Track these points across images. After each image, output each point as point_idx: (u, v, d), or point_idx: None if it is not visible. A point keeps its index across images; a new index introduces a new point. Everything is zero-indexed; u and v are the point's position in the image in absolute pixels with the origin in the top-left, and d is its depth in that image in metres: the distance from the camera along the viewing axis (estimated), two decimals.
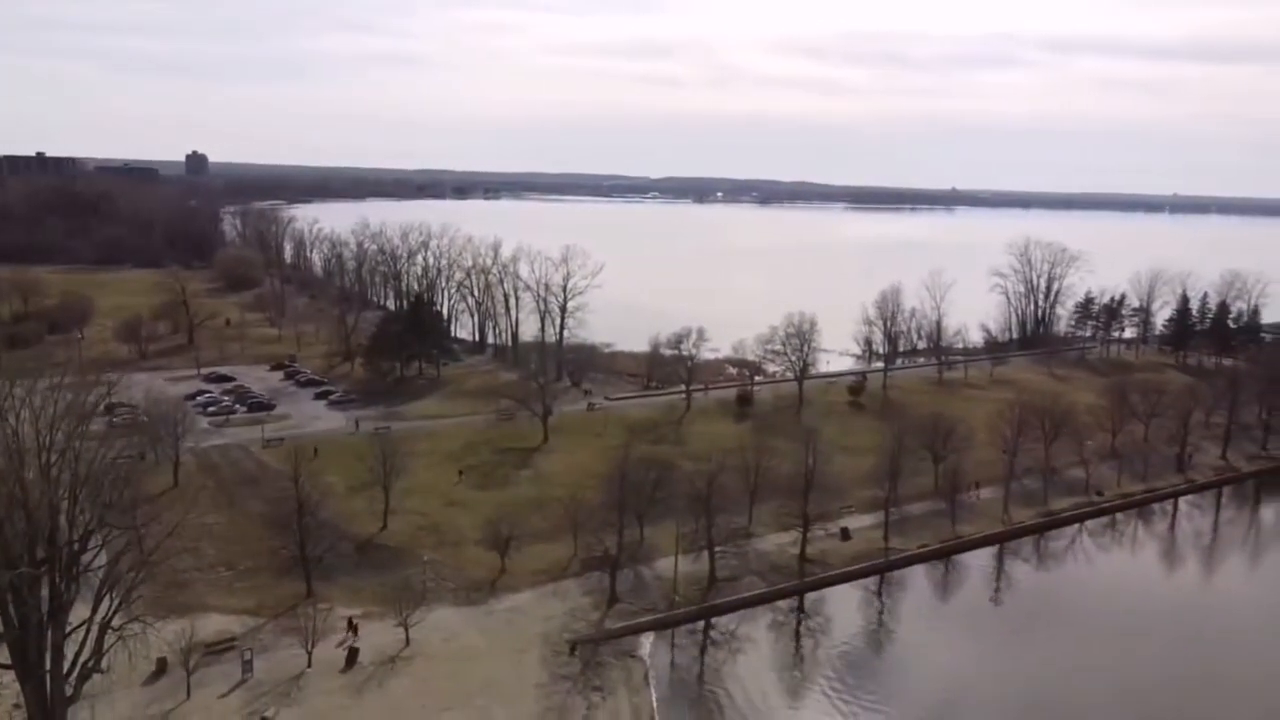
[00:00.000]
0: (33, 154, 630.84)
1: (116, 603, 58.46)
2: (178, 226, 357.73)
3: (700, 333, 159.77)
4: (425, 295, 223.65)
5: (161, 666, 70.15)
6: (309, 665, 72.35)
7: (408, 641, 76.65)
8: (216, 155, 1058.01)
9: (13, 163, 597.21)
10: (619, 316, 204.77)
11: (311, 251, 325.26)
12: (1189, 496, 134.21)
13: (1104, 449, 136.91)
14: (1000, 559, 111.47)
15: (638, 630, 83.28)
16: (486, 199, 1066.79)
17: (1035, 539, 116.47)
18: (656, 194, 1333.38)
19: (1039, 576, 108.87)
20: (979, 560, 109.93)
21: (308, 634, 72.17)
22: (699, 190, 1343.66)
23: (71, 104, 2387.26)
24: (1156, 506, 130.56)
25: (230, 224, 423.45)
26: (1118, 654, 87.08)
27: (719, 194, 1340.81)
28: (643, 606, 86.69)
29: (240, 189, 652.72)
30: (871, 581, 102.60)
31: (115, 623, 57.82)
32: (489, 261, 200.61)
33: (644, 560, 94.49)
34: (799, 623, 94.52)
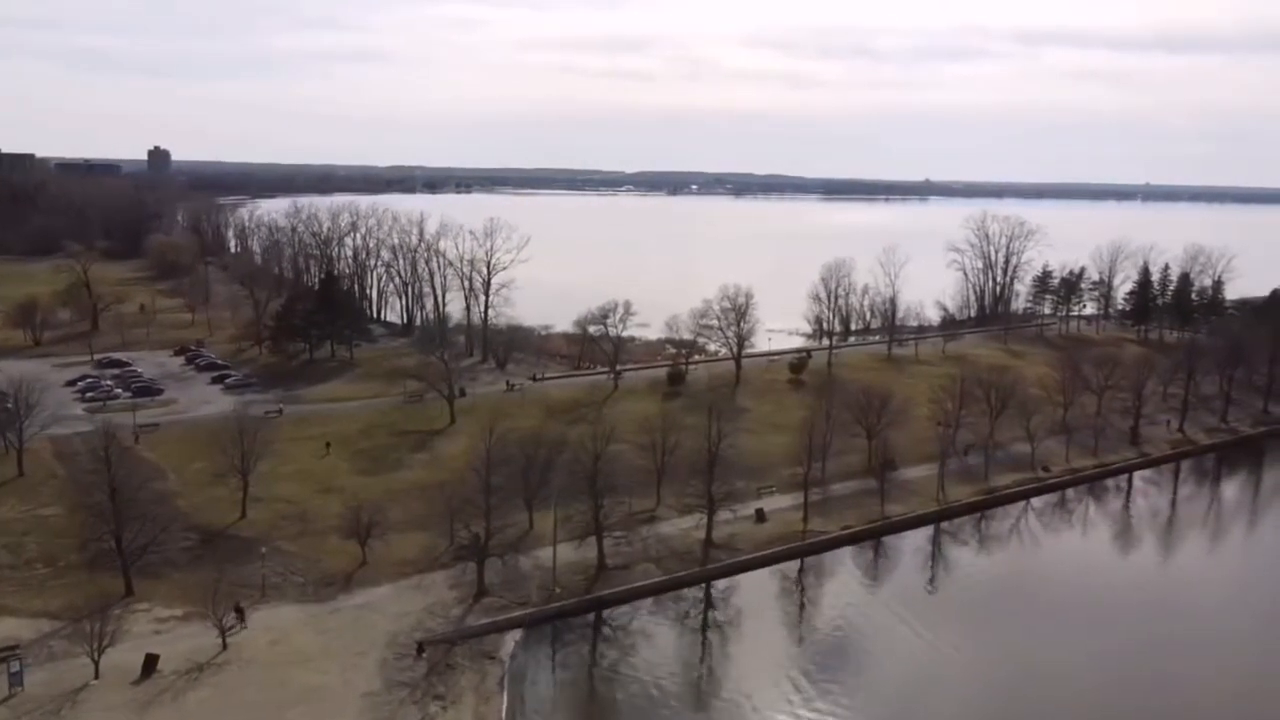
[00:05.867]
0: None
1: None
2: (117, 218, 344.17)
3: (627, 308, 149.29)
4: (355, 276, 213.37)
5: None
6: (96, 676, 61.51)
7: (224, 646, 65.89)
8: (184, 154, 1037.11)
9: None
10: (568, 301, 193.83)
11: (251, 240, 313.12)
12: (1144, 472, 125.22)
13: (1054, 423, 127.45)
14: (936, 541, 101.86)
15: (503, 627, 72.83)
16: (458, 193, 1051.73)
17: (975, 519, 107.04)
18: (630, 187, 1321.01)
19: (979, 560, 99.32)
20: (912, 543, 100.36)
21: (93, 639, 61.18)
22: (674, 184, 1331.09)
23: (35, 103, 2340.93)
24: (1110, 482, 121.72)
25: (181, 217, 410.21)
26: (1071, 647, 77.26)
27: (693, 187, 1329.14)
28: (514, 600, 76.27)
29: (203, 185, 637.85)
30: (791, 568, 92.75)
31: None
32: (414, 239, 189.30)
33: (527, 549, 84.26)
34: (705, 614, 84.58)
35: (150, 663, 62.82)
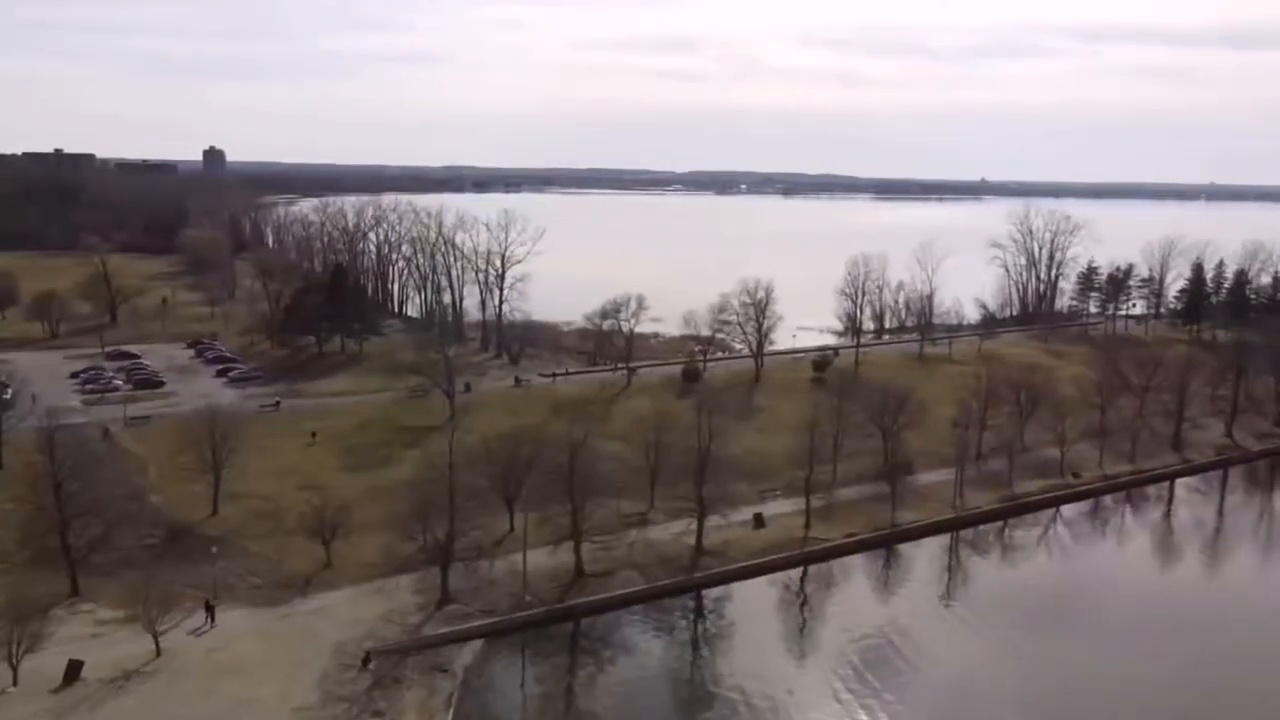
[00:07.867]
0: (50, 151, 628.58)
1: None
2: (155, 214, 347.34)
3: (639, 302, 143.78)
4: (377, 270, 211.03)
5: None
6: (14, 683, 57.58)
7: (158, 652, 61.67)
8: (239, 154, 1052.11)
9: (31, 159, 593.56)
10: (594, 298, 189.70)
11: (286, 237, 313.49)
12: (1188, 480, 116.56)
13: (1090, 426, 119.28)
14: (953, 550, 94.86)
15: (461, 637, 67.68)
16: (507, 193, 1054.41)
17: (997, 527, 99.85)
18: (679, 187, 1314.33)
19: (1001, 571, 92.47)
20: (927, 552, 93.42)
21: (12, 644, 57.29)
22: (724, 183, 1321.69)
23: (95, 104, 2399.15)
24: (1150, 490, 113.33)
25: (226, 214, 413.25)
26: (1104, 668, 70.33)
27: (743, 186, 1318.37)
28: (479, 608, 71.14)
29: (254, 184, 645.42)
30: (791, 577, 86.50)
31: None
32: (432, 234, 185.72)
33: (504, 553, 79.19)
34: (695, 626, 78.87)
35: (74, 669, 58.76)
